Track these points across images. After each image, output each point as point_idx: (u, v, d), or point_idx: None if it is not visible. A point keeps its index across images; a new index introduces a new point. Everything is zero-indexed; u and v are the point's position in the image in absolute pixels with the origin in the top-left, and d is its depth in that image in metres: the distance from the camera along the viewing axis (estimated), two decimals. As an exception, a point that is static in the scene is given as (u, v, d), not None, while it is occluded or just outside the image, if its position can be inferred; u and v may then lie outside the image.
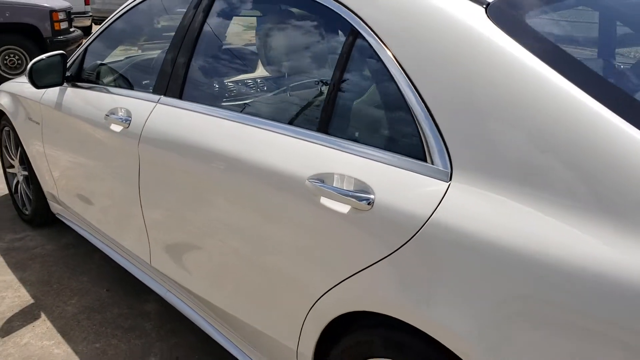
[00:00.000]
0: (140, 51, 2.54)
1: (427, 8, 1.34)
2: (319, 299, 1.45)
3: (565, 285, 0.99)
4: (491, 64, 1.20)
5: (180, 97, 1.99)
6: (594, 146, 1.04)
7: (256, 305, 1.71)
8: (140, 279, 2.46)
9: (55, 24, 8.08)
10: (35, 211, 3.39)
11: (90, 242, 3.28)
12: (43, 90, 2.86)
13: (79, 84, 2.63)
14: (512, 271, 1.06)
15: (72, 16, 8.86)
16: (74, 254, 3.20)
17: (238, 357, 1.92)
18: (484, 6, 1.31)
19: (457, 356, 1.17)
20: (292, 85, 1.71)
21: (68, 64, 2.71)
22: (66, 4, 8.72)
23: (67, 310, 2.64)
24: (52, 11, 8.01)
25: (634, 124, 1.03)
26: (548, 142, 1.08)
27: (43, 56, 2.56)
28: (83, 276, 2.95)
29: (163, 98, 2.06)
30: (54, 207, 3.23)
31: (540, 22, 1.30)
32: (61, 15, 8.22)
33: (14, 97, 3.23)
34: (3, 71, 7.82)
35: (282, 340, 1.65)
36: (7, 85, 3.42)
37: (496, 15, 1.27)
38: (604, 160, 1.02)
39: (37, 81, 2.54)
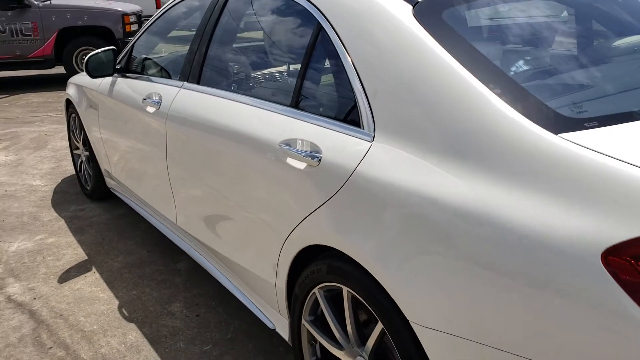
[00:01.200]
0: (177, 46, 2.99)
1: (368, 3, 1.68)
2: (286, 239, 1.83)
3: (434, 215, 1.32)
4: (407, 55, 1.53)
5: (198, 83, 2.42)
6: (465, 118, 1.35)
7: (246, 249, 2.10)
8: (171, 238, 2.91)
9: (127, 26, 8.82)
10: (95, 187, 3.94)
11: (138, 213, 3.79)
12: (100, 80, 3.37)
13: (127, 74, 3.12)
14: (410, 209, 1.39)
15: (142, 19, 9.61)
16: (125, 222, 3.72)
17: (239, 297, 2.33)
18: (413, 5, 1.64)
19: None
20: (273, 69, 2.10)
21: (119, 58, 3.21)
22: (137, 8, 9.48)
23: (114, 266, 3.14)
24: (124, 15, 8.76)
25: (515, 106, 1.33)
26: (435, 113, 1.41)
27: (98, 51, 3.07)
28: (129, 240, 3.45)
29: (186, 84, 2.50)
30: (109, 183, 3.76)
31: (456, 20, 1.62)
32: (132, 18, 8.96)
33: (79, 88, 3.78)
34: (80, 69, 8.63)
35: (266, 278, 2.03)
36: (74, 78, 4.00)
37: (419, 12, 1.60)
38: (468, 125, 1.34)
39: (93, 72, 3.05)
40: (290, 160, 1.77)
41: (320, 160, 1.66)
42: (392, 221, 1.42)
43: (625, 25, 1.83)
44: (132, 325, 2.58)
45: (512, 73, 1.44)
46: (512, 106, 1.32)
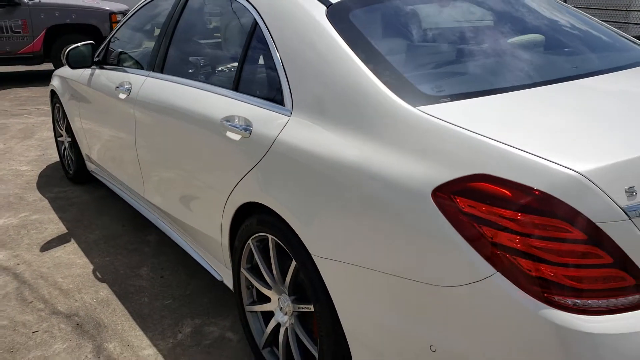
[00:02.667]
0: (148, 41, 3.35)
1: (293, 4, 2.06)
2: (227, 200, 2.20)
3: (328, 170, 1.69)
4: (318, 48, 1.91)
5: (162, 72, 2.79)
6: (358, 98, 1.73)
7: (198, 213, 2.47)
8: (140, 212, 3.28)
9: (113, 25, 9.15)
10: (77, 170, 4.29)
11: (116, 193, 4.15)
12: (80, 72, 3.73)
13: (104, 66, 3.48)
14: (313, 167, 1.76)
15: (129, 18, 9.93)
16: (103, 202, 4.07)
17: (194, 256, 2.70)
18: (327, 6, 2.02)
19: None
20: (220, 59, 2.47)
21: (97, 52, 3.57)
22: (124, 7, 9.82)
23: (91, 238, 3.50)
24: (111, 13, 9.10)
25: (390, 87, 1.71)
26: (336, 93, 1.79)
27: (78, 44, 3.43)
28: (107, 217, 3.81)
29: (152, 73, 2.87)
30: (89, 166, 4.11)
31: (360, 20, 1.99)
32: (119, 17, 9.29)
33: (62, 79, 4.14)
34: (67, 65, 8.96)
35: (214, 236, 2.40)
36: (59, 70, 4.35)
37: (331, 13, 1.98)
38: (359, 102, 1.71)
39: (72, 64, 3.41)
40: (229, 134, 2.14)
41: (251, 132, 2.04)
42: (300, 177, 1.80)
43: (503, 26, 2.21)
44: (104, 284, 2.94)
45: (396, 63, 1.82)
46: (389, 88, 1.69)
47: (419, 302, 1.49)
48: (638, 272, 1.34)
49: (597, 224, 1.31)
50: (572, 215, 1.31)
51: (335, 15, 1.97)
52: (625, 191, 1.33)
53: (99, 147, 3.63)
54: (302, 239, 1.80)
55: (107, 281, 2.97)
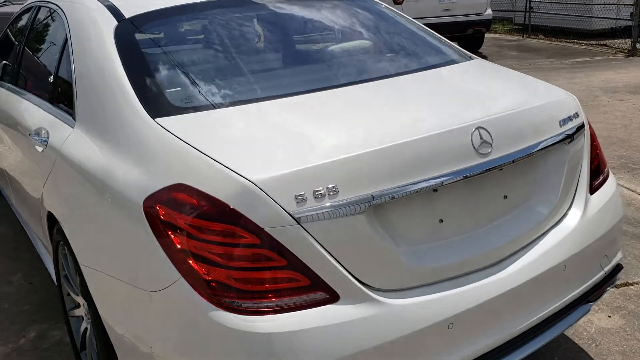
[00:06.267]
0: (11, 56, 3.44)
1: (87, 14, 2.13)
2: (41, 210, 2.27)
3: (85, 177, 1.76)
4: (97, 64, 1.96)
5: (16, 85, 2.88)
6: (114, 110, 1.79)
7: (34, 220, 2.56)
8: (17, 216, 3.35)
9: None
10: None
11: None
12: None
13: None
14: (76, 176, 1.84)
15: None
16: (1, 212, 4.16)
17: (43, 259, 2.78)
18: (118, 21, 2.08)
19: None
20: (47, 74, 2.55)
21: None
22: None
23: (-22, 246, 3.58)
24: None
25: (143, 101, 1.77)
26: (101, 107, 1.86)
27: None
28: (1, 226, 3.89)
29: (8, 85, 2.95)
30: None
31: (143, 39, 2.04)
32: None
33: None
34: None
35: (46, 243, 2.48)
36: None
37: (118, 30, 2.04)
38: (117, 114, 1.78)
39: None
40: (36, 146, 2.22)
41: (47, 144, 2.11)
42: (69, 186, 1.88)
43: (271, 43, 2.28)
44: (-29, 292, 3.02)
45: (159, 78, 1.87)
46: (141, 101, 1.76)
47: (139, 305, 1.57)
48: (312, 273, 1.40)
49: (267, 230, 1.38)
50: (244, 222, 1.38)
51: (121, 32, 2.04)
52: (295, 197, 1.39)
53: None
54: (72, 246, 1.88)
55: (-24, 289, 3.06)
